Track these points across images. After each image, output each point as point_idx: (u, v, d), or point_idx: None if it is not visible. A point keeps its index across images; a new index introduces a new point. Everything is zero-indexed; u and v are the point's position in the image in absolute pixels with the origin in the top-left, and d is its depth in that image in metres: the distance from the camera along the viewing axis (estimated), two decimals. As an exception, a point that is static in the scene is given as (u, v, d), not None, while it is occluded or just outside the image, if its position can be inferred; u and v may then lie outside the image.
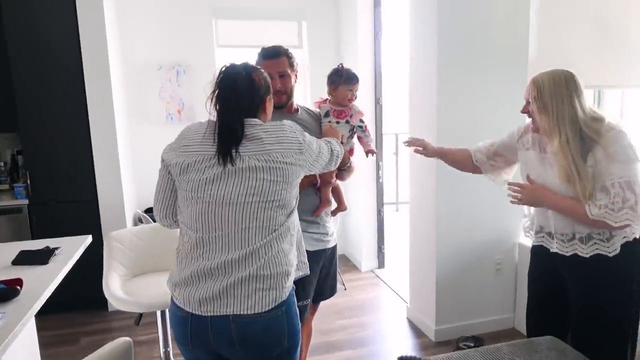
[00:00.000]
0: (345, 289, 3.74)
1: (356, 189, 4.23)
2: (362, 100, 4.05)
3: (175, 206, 1.44)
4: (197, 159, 1.34)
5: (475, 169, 2.08)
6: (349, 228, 4.50)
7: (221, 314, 1.30)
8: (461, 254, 2.95)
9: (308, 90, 4.33)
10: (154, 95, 3.92)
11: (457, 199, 2.86)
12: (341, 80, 1.97)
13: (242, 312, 1.29)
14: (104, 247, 2.22)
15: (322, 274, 2.07)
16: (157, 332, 2.34)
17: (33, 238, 3.16)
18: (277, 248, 1.35)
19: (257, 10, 4.12)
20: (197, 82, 3.98)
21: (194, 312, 1.32)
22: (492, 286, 3.02)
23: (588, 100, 1.67)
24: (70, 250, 2.03)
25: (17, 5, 3.03)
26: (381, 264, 4.20)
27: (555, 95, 1.61)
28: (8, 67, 3.07)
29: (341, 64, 2.04)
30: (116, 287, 2.09)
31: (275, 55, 1.86)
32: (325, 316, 3.24)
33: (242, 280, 1.30)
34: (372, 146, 2.11)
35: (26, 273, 1.73)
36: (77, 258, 2.02)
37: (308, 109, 2.08)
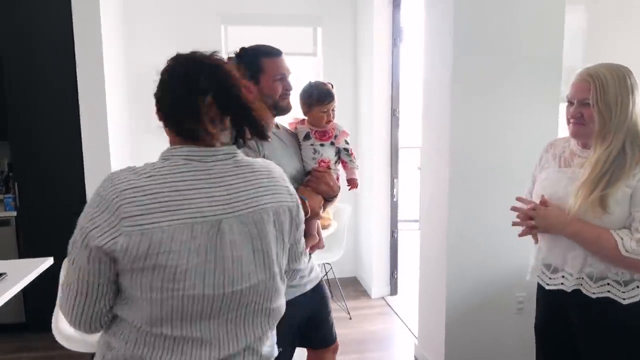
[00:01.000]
0: (351, 319, 3.41)
1: (369, 207, 3.91)
2: (377, 111, 3.77)
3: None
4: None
5: None
6: (360, 250, 4.18)
7: None
8: (476, 287, 2.56)
9: (321, 100, 4.06)
10: (158, 104, 3.75)
11: (471, 220, 2.49)
12: (312, 100, 1.68)
13: None
14: (61, 271, 2.02)
15: (315, 320, 1.74)
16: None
17: (19, 251, 3.04)
18: None
19: (268, 16, 3.89)
20: (203, 91, 3.79)
21: None
22: (512, 328, 2.62)
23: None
24: (19, 275, 1.84)
25: (11, 14, 2.92)
26: (393, 291, 3.84)
27: (619, 94, 1.31)
28: (1, 74, 2.97)
29: (310, 81, 1.75)
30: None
31: (280, 52, 1.58)
32: (324, 350, 2.93)
33: None
34: (356, 175, 1.79)
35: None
36: (26, 284, 1.83)
37: (284, 126, 1.79)
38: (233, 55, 1.55)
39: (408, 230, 4.88)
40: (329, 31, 4.02)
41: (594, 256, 1.35)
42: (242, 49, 1.56)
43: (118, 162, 3.28)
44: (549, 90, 2.45)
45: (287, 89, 1.56)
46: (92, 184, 3.11)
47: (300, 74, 4.18)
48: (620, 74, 1.32)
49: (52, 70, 3.01)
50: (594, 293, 1.36)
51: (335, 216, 3.53)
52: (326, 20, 3.99)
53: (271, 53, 1.55)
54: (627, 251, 1.26)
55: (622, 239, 1.27)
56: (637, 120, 1.32)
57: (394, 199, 3.79)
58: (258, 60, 1.52)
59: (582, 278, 1.39)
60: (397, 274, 3.85)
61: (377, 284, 3.83)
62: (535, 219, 1.44)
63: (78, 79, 3.02)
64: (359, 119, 4.08)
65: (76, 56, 3.00)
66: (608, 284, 1.35)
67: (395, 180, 3.77)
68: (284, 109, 1.58)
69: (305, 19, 3.99)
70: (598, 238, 1.31)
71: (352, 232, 4.22)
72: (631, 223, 1.30)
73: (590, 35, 2.83)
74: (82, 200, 3.09)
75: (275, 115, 1.59)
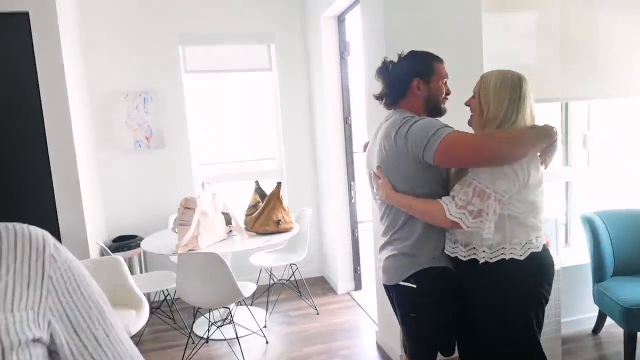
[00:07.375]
0: (318, 314, 3.65)
1: (330, 210, 4.17)
2: (331, 120, 4.06)
3: None
4: None
5: None
6: (325, 250, 4.43)
7: None
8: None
9: (279, 112, 4.31)
10: (120, 123, 3.92)
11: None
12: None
13: None
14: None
15: None
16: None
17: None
18: None
19: (223, 35, 4.13)
20: (165, 108, 3.98)
21: None
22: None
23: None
24: None
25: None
26: (358, 286, 4.11)
27: (498, 92, 1.61)
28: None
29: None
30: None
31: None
32: (293, 343, 3.16)
33: None
34: None
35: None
36: None
37: None
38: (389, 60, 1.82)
39: (367, 230, 5.15)
40: (282, 47, 4.28)
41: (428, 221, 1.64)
42: (411, 52, 1.79)
43: (86, 180, 3.43)
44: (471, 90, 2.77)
45: (448, 92, 1.81)
46: (62, 205, 3.24)
47: (258, 87, 4.43)
48: (507, 78, 1.60)
49: (18, 95, 3.14)
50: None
51: (298, 219, 3.77)
52: (278, 37, 4.26)
53: (439, 58, 1.78)
54: (451, 214, 1.55)
55: (447, 205, 1.56)
56: (518, 121, 1.58)
57: (352, 201, 4.07)
58: (436, 63, 1.76)
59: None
60: (360, 269, 4.12)
61: (342, 280, 4.09)
62: (376, 188, 1.79)
63: (43, 104, 3.15)
64: (314, 128, 4.35)
65: (39, 81, 3.13)
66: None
67: (352, 183, 4.04)
68: (442, 111, 1.81)
69: (259, 36, 4.24)
70: (426, 207, 1.61)
71: (316, 234, 4.46)
72: (450, 193, 1.60)
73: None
74: (54, 221, 3.22)
75: (432, 116, 1.76)
